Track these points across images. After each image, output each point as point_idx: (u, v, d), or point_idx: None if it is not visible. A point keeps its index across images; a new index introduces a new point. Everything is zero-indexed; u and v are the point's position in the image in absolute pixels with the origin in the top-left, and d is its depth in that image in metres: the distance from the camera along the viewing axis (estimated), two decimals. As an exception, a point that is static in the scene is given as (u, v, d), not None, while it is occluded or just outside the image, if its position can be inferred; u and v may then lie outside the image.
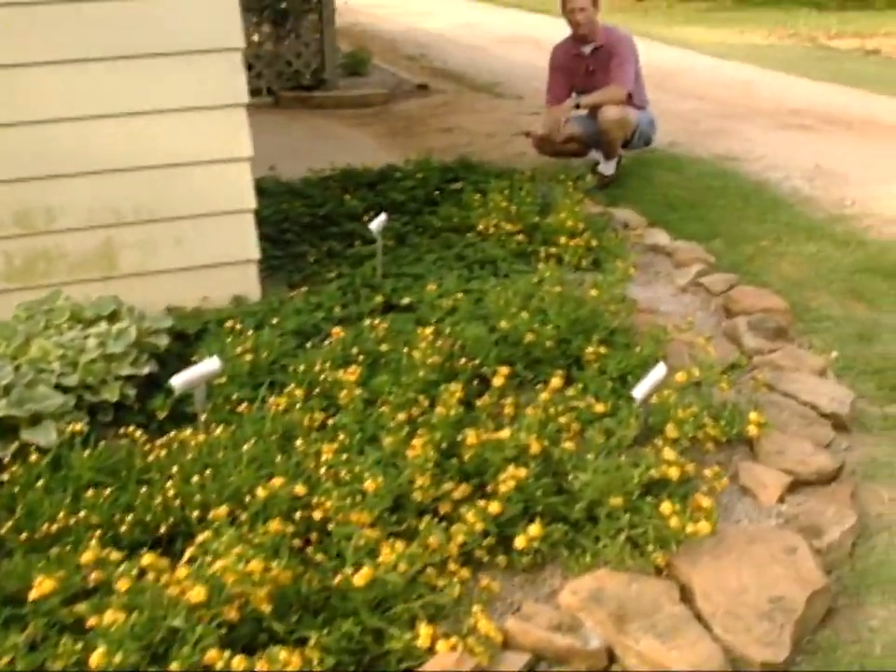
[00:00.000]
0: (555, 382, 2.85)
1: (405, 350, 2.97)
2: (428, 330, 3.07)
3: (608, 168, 5.65)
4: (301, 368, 2.98)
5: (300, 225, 4.56)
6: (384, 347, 3.06)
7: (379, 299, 3.62)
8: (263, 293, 3.97)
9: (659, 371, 2.56)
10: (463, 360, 2.97)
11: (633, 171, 5.94)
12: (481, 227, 4.26)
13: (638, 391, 2.49)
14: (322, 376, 2.92)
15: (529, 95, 8.83)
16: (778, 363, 3.31)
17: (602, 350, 3.02)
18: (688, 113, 7.89)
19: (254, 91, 8.42)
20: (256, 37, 8.54)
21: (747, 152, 6.51)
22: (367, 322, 3.25)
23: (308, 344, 3.27)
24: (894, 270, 4.28)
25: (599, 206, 5.07)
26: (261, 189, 5.12)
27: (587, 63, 5.54)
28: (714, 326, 3.72)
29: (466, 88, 9.51)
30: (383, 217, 3.88)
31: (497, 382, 2.84)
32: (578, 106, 5.47)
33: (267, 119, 7.85)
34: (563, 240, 4.10)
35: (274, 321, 3.49)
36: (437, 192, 4.93)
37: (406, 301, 3.59)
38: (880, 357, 3.52)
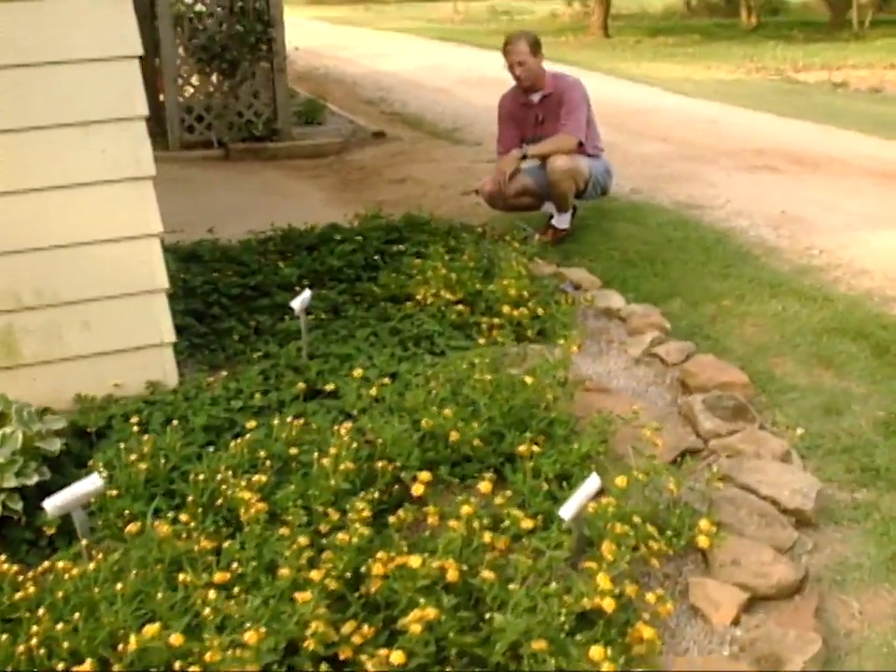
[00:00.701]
0: (483, 486, 2.54)
1: (316, 455, 2.65)
2: (345, 429, 2.76)
3: (561, 221, 5.38)
4: (202, 476, 2.65)
5: (229, 297, 4.25)
6: (294, 451, 2.74)
7: (301, 385, 3.30)
8: (183, 377, 3.67)
9: (591, 485, 2.25)
10: (381, 463, 2.65)
11: (590, 222, 5.67)
12: (420, 296, 3.96)
13: (567, 510, 2.18)
14: (224, 486, 2.60)
15: (489, 140, 8.54)
16: (737, 447, 3.01)
17: (537, 447, 2.70)
18: (651, 156, 7.66)
19: (205, 144, 8.18)
20: (205, 88, 8.27)
21: (711, 198, 6.26)
22: (280, 419, 2.92)
23: (217, 445, 2.95)
24: (862, 329, 4.00)
25: (551, 265, 4.79)
26: (195, 255, 4.89)
27: (536, 111, 5.28)
28: (670, 402, 3.43)
29: (424, 134, 9.26)
30: (306, 294, 3.58)
31: (417, 490, 2.53)
32: (525, 157, 5.20)
33: (215, 174, 7.59)
34: (506, 309, 3.81)
35: (187, 413, 3.18)
36: (377, 256, 4.63)
37: (330, 386, 3.28)
38: (848, 434, 3.23)
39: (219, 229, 5.62)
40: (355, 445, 2.71)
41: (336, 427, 2.84)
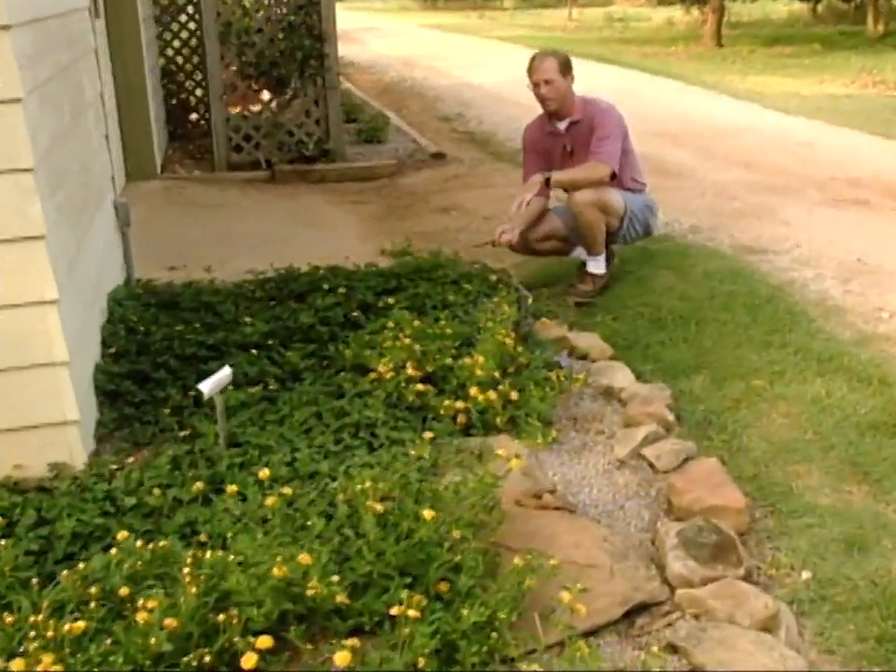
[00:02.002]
0: (340, 658, 1.97)
1: (141, 602, 2.12)
2: (206, 557, 2.23)
3: (596, 265, 4.70)
4: (10, 619, 2.16)
5: (181, 357, 3.77)
6: (125, 590, 2.21)
7: (199, 485, 2.78)
8: (98, 456, 3.23)
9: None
10: (223, 616, 2.10)
11: (627, 269, 4.99)
12: (381, 368, 3.40)
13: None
14: (34, 633, 2.10)
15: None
16: (707, 604, 2.33)
17: (423, 605, 2.10)
18: (726, 186, 6.87)
19: (254, 164, 7.81)
20: (253, 106, 7.90)
21: (779, 241, 5.47)
22: (127, 542, 2.41)
23: (77, 558, 2.47)
24: (920, 429, 3.23)
25: (562, 326, 4.15)
26: (173, 302, 4.44)
27: (563, 140, 4.63)
28: (646, 525, 2.75)
29: (488, 155, 8.66)
30: (223, 373, 3.06)
31: (248, 662, 1.97)
32: (548, 184, 4.54)
33: (252, 199, 7.19)
34: (474, 391, 3.20)
35: (65, 512, 2.71)
36: (357, 313, 4.08)
37: (233, 487, 2.75)
38: (870, 582, 2.51)
39: (227, 264, 5.21)
40: (200, 589, 2.17)
41: (193, 556, 2.31)
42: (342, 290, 4.28)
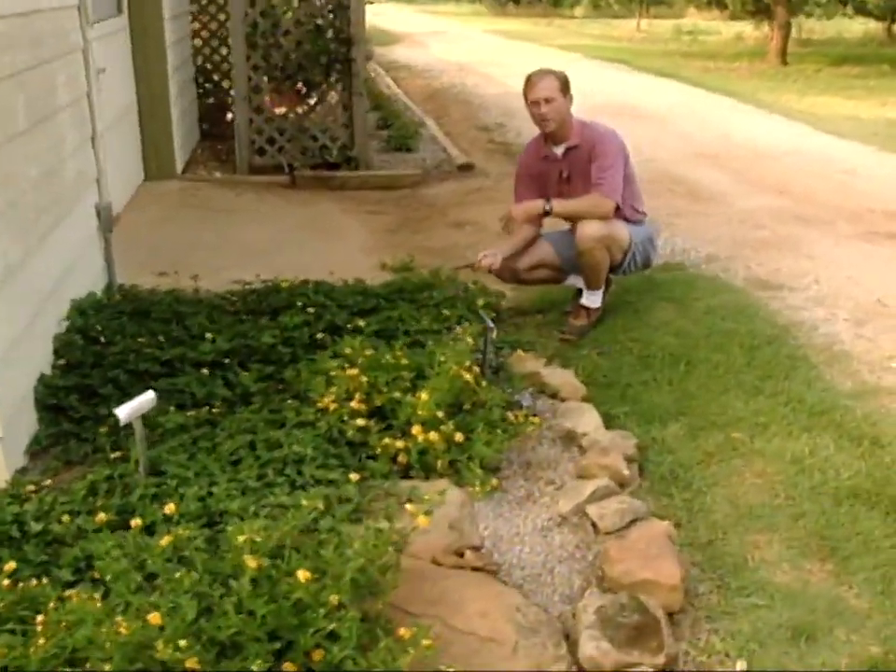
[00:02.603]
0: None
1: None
2: (70, 600, 2.05)
3: (593, 299, 4.43)
4: None
5: (134, 373, 3.62)
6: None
7: (103, 516, 2.62)
8: (25, 474, 3.10)
9: None
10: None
11: (626, 299, 4.73)
12: (326, 399, 3.20)
13: None
14: None
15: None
16: (617, 698, 2.09)
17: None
18: (753, 213, 6.54)
19: (276, 168, 7.68)
20: (278, 110, 7.77)
21: (797, 276, 5.15)
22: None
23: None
24: (904, 502, 2.93)
25: (539, 360, 3.91)
26: (144, 311, 4.29)
27: (560, 166, 4.38)
28: (574, 594, 2.51)
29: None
30: (145, 397, 2.88)
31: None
32: (548, 213, 4.30)
33: (267, 204, 7.05)
34: (415, 430, 2.98)
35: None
36: (324, 334, 3.89)
37: (136, 521, 2.57)
38: (814, 680, 2.23)
39: (221, 272, 5.08)
40: (53, 639, 2.00)
41: (58, 599, 2.14)
42: (312, 309, 4.10)
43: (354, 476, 2.80)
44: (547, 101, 4.20)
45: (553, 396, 3.57)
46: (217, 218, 6.49)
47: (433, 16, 35.50)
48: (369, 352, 3.34)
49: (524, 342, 4.06)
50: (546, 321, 4.59)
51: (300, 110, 7.81)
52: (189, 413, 3.33)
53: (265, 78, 7.68)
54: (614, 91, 13.08)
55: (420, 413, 3.00)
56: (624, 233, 4.34)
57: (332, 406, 3.16)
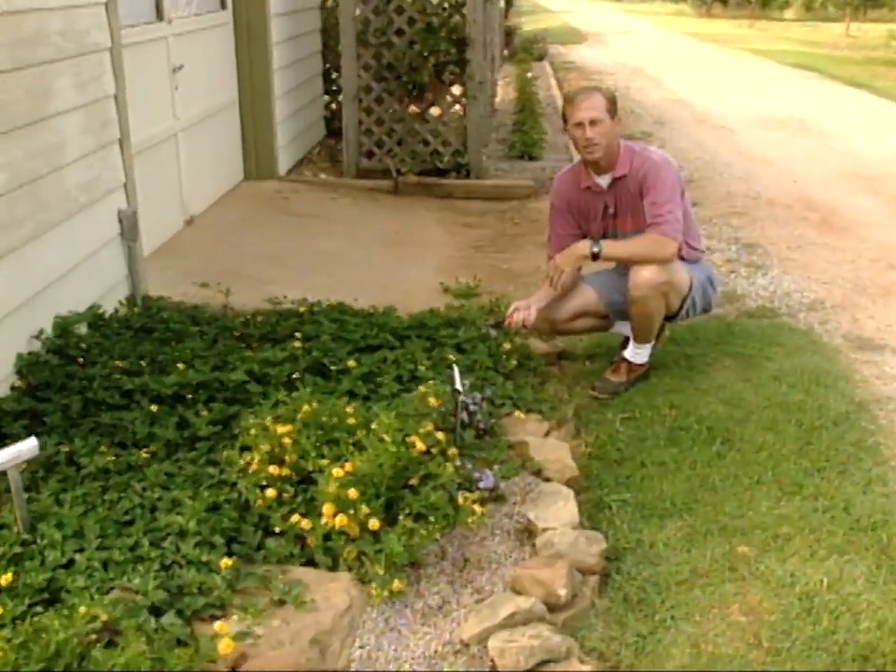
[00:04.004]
0: None
1: None
2: None
3: (639, 354, 3.80)
4: None
5: (90, 402, 3.33)
6: None
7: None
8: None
9: None
10: None
11: (683, 351, 4.09)
12: (246, 459, 2.79)
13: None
14: None
15: (710, 201, 6.95)
16: None
17: None
18: (891, 251, 5.62)
19: (384, 173, 7.35)
20: (389, 111, 7.41)
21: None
22: None
23: None
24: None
25: (542, 423, 3.35)
26: (147, 328, 4.04)
27: (604, 199, 3.76)
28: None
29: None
30: (26, 444, 2.56)
31: None
32: (596, 257, 3.71)
33: (357, 211, 6.73)
34: (327, 509, 2.52)
35: None
36: (303, 374, 3.48)
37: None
38: None
39: (264, 287, 4.80)
40: None
41: None
42: (307, 343, 3.69)
43: (226, 561, 2.37)
44: (593, 123, 3.58)
45: (537, 473, 3.01)
46: (296, 225, 6.21)
47: (631, 15, 34.44)
48: (307, 408, 2.88)
49: (530, 399, 3.47)
50: (588, 370, 4.00)
51: (411, 113, 7.42)
52: (119, 456, 3.00)
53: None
54: (787, 102, 11.98)
55: (329, 489, 2.53)
56: (684, 277, 3.70)
57: (254, 467, 2.74)
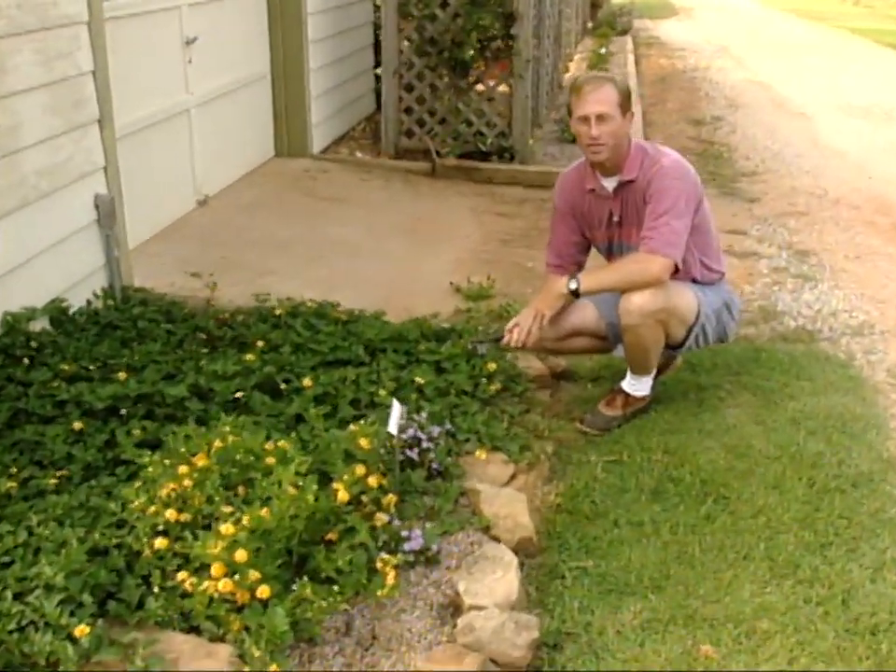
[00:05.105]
0: None
1: None
2: None
3: (638, 386, 3.35)
4: None
5: (23, 412, 3.03)
6: None
7: None
8: None
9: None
10: None
11: (695, 381, 3.62)
12: (141, 500, 2.45)
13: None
14: None
15: (778, 196, 6.39)
16: None
17: None
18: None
19: (426, 153, 6.95)
20: (431, 88, 6.99)
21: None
22: None
23: None
24: None
25: (508, 465, 2.94)
26: (116, 326, 3.76)
27: (609, 206, 3.30)
28: None
29: (704, 175, 7.12)
30: None
31: None
32: (576, 294, 3.22)
33: (385, 195, 6.35)
34: (215, 569, 2.17)
35: None
36: (250, 391, 3.13)
37: None
38: None
39: (259, 279, 4.53)
40: None
41: None
42: (253, 356, 3.34)
43: (82, 628, 2.04)
44: (600, 119, 3.11)
45: (486, 530, 2.61)
46: (314, 209, 5.86)
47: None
48: (219, 443, 2.53)
49: (500, 434, 3.05)
50: (587, 396, 3.58)
51: (454, 90, 6.98)
52: (30, 479, 2.72)
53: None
54: (876, 87, 11.12)
55: (213, 550, 2.18)
56: (688, 302, 3.23)
57: (152, 509, 2.41)
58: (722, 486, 2.90)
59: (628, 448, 3.14)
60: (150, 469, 2.47)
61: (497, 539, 2.58)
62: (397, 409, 2.62)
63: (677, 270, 3.14)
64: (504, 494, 2.72)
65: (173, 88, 5.23)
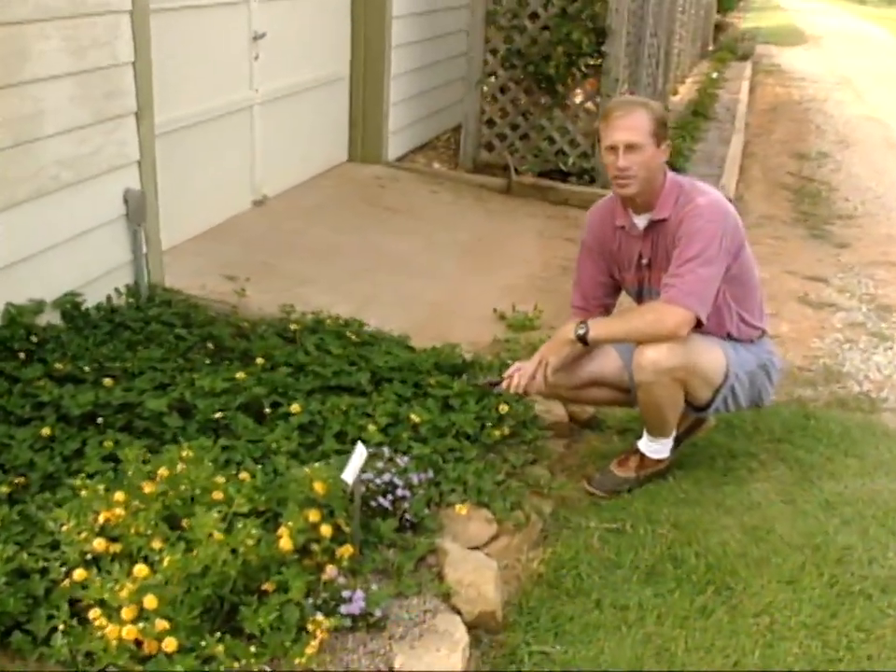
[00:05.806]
0: None
1: None
2: None
3: (654, 448, 3.03)
4: None
5: (4, 412, 2.93)
6: None
7: None
8: None
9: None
10: None
11: (729, 446, 3.28)
12: (70, 525, 2.27)
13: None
14: None
15: (867, 246, 5.93)
16: None
17: None
18: None
19: (504, 168, 6.73)
20: (512, 103, 6.74)
21: None
22: None
23: None
24: None
25: (491, 523, 2.67)
26: (127, 326, 3.64)
27: (639, 246, 3.01)
28: None
29: (796, 215, 6.69)
30: None
31: None
32: (586, 342, 2.91)
33: (451, 210, 6.12)
34: (126, 613, 1.99)
35: None
36: (234, 413, 2.94)
37: None
38: None
39: (294, 289, 4.36)
40: None
41: None
42: (243, 374, 3.15)
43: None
44: (629, 148, 2.82)
45: (446, 597, 2.35)
46: (374, 218, 5.67)
47: (868, 19, 31.56)
48: (163, 471, 2.35)
49: (488, 488, 2.78)
50: (609, 449, 3.29)
51: (538, 106, 6.72)
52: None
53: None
54: None
55: (121, 593, 1.99)
56: (713, 361, 2.90)
57: (81, 535, 2.24)
58: (729, 574, 2.57)
59: (634, 516, 2.84)
60: (84, 493, 2.29)
61: (455, 610, 2.32)
62: (358, 454, 2.39)
63: (700, 324, 2.82)
64: (473, 558, 2.46)
65: (235, 84, 5.12)
